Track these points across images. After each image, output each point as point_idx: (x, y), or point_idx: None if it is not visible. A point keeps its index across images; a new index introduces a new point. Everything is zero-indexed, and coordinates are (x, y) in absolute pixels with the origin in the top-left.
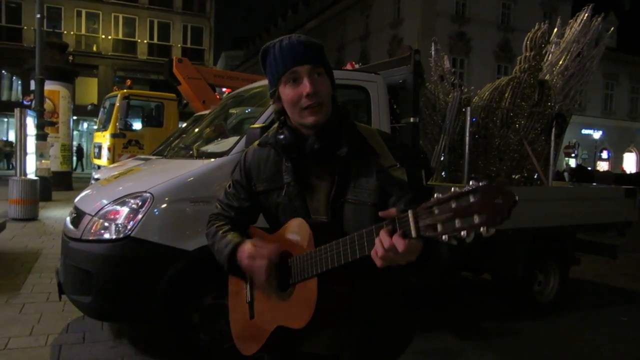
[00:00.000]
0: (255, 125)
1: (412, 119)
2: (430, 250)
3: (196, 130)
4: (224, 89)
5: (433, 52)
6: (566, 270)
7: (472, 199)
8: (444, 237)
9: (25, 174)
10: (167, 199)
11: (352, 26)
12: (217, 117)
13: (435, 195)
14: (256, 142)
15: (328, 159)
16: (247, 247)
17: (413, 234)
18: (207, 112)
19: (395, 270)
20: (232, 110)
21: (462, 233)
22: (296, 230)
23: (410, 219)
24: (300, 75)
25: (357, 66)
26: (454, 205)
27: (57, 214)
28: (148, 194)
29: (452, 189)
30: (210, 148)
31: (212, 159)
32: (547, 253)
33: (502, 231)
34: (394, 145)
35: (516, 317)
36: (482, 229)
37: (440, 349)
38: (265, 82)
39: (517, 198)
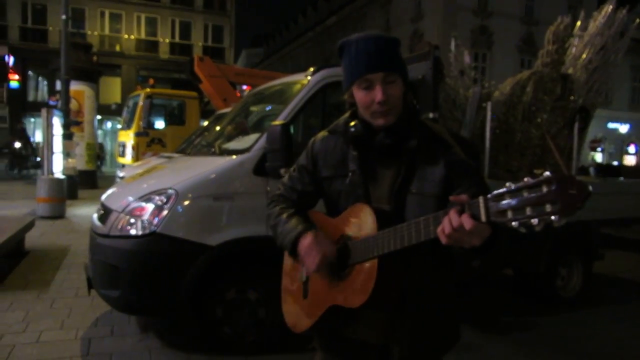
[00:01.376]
0: (276, 123)
1: (431, 115)
2: (496, 238)
3: (218, 128)
4: (244, 87)
5: (453, 48)
6: (590, 265)
7: (545, 189)
8: (513, 223)
9: (53, 173)
10: (190, 195)
11: (372, 22)
12: (238, 115)
13: (507, 184)
14: (326, 130)
15: (396, 152)
16: (308, 238)
17: (483, 218)
18: (228, 110)
19: (454, 259)
20: (253, 108)
21: (533, 221)
22: (360, 214)
23: (481, 204)
24: (373, 83)
25: None
26: (526, 194)
27: (84, 212)
28: (172, 191)
29: (525, 179)
30: (232, 145)
31: (234, 156)
32: (570, 248)
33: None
34: (461, 141)
35: (538, 312)
36: (554, 217)
37: (460, 344)
38: (285, 79)
39: (591, 189)
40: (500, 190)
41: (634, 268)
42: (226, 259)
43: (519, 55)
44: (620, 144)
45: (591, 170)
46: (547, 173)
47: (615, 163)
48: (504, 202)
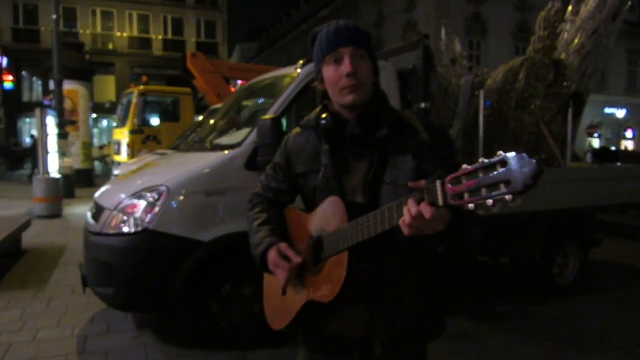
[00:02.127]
0: (266, 117)
1: (422, 105)
2: (457, 222)
3: (210, 123)
4: (239, 82)
5: (444, 36)
6: (586, 253)
7: (499, 169)
8: (470, 205)
9: (48, 173)
10: (182, 191)
11: (366, 13)
12: (230, 110)
13: (463, 166)
14: (298, 126)
15: (367, 142)
16: (273, 254)
17: (440, 202)
18: (221, 105)
19: (426, 249)
20: (245, 103)
21: (489, 202)
22: (331, 208)
23: (438, 188)
24: (341, 56)
25: None
26: (481, 175)
27: (81, 211)
28: (164, 188)
29: (480, 160)
30: (223, 141)
31: (225, 152)
32: (566, 235)
33: (519, 214)
34: (429, 125)
35: (535, 301)
36: (507, 197)
37: (456, 333)
38: (276, 73)
39: (542, 167)
40: (457, 174)
41: (630, 254)
42: (220, 255)
43: (513, 43)
44: (617, 129)
45: (588, 156)
46: (501, 152)
47: (613, 148)
48: (461, 185)
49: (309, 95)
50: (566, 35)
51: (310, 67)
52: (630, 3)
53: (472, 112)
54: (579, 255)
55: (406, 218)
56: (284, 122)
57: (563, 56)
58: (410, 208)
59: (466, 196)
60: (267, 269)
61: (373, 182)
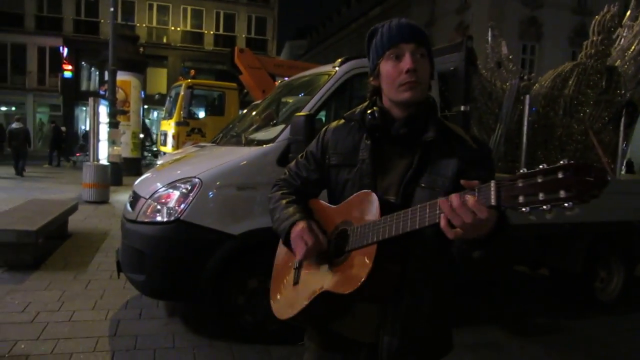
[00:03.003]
0: (300, 114)
1: (462, 107)
2: (501, 227)
3: (248, 118)
4: (286, 79)
5: (490, 38)
6: (632, 268)
7: (560, 175)
8: (524, 209)
9: (98, 160)
10: (214, 184)
11: (417, 12)
12: (269, 106)
13: (521, 170)
14: (342, 117)
15: (411, 143)
16: (300, 226)
17: (493, 201)
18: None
19: (453, 253)
20: (284, 99)
21: (545, 207)
22: (364, 201)
23: (492, 188)
24: (403, 52)
25: None
26: (540, 180)
27: (126, 198)
28: (197, 179)
29: (541, 165)
30: (258, 136)
31: (259, 147)
32: (611, 249)
33: (561, 224)
34: (476, 140)
35: (573, 315)
36: (567, 204)
37: (487, 342)
38: (313, 70)
39: (610, 178)
40: (514, 176)
41: None
42: (248, 249)
43: (570, 47)
44: None
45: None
46: (564, 160)
47: None
48: (517, 186)
49: (345, 93)
50: (622, 41)
51: (348, 65)
52: None
53: (516, 117)
54: (624, 270)
55: (457, 213)
56: (323, 119)
57: (618, 63)
58: (468, 201)
59: (521, 199)
60: (288, 243)
61: (408, 184)
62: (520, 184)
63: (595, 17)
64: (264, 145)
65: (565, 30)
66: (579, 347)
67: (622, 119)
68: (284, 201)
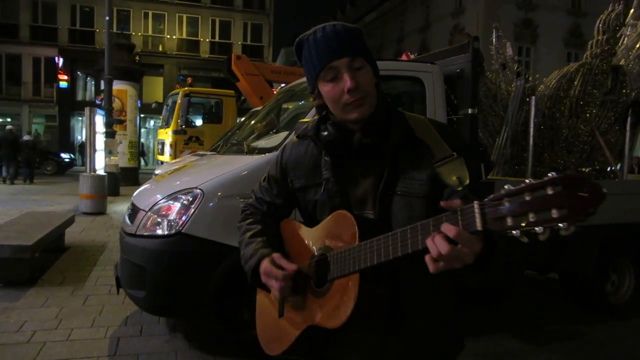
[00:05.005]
0: (304, 120)
1: (470, 110)
2: (491, 251)
3: (249, 126)
4: (281, 85)
5: (494, 39)
6: None
7: (550, 191)
8: (514, 232)
9: (95, 170)
10: (216, 195)
11: (412, 17)
12: (270, 112)
13: (505, 187)
14: (294, 135)
15: (376, 152)
16: (265, 264)
17: (478, 226)
18: (261, 107)
19: (447, 273)
20: (285, 105)
21: (537, 229)
22: (340, 223)
23: (476, 210)
24: (338, 70)
25: (412, 56)
26: (528, 198)
27: (124, 209)
28: (198, 190)
29: (527, 180)
30: (260, 144)
31: (262, 155)
32: (622, 251)
33: None
34: (448, 134)
35: (585, 320)
36: (561, 225)
37: (502, 352)
38: None
39: (605, 191)
40: (499, 194)
41: None
42: None
43: (565, 49)
44: None
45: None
46: (552, 173)
47: None
48: (503, 207)
49: None
50: (626, 40)
51: None
52: None
53: (522, 119)
54: (636, 273)
55: (432, 250)
56: None
57: (623, 62)
58: (447, 231)
59: (509, 221)
60: (259, 284)
61: (384, 194)
62: (506, 204)
63: (593, 18)
64: (267, 154)
65: (560, 31)
66: (597, 354)
67: (629, 119)
68: (248, 234)
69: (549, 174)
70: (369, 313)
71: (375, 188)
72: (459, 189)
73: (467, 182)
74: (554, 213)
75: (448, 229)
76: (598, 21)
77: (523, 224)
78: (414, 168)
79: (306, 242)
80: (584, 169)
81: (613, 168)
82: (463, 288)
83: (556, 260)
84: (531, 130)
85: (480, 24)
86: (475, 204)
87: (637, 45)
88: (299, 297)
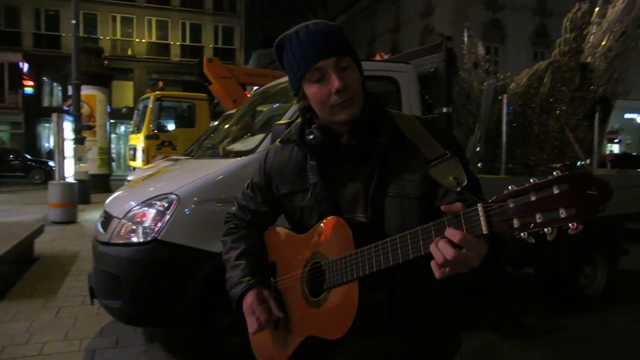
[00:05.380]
0: (281, 122)
1: (445, 109)
2: (498, 253)
3: (223, 129)
4: (255, 88)
5: (466, 38)
6: (614, 262)
7: (556, 190)
8: (522, 234)
9: (64, 178)
10: (193, 200)
11: (383, 18)
12: (244, 115)
13: (509, 187)
14: (278, 140)
15: (365, 154)
16: (251, 298)
17: (484, 229)
18: (235, 110)
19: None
20: (260, 108)
21: (546, 229)
22: (333, 229)
23: (481, 213)
24: (325, 72)
25: (386, 57)
26: (533, 198)
27: (96, 217)
28: (174, 196)
29: (532, 179)
30: (236, 147)
31: (238, 158)
32: (594, 244)
33: None
34: (438, 132)
35: (561, 313)
36: (570, 224)
37: (480, 347)
38: None
39: (613, 187)
40: (502, 195)
41: None
42: None
43: (532, 48)
44: (637, 135)
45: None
46: (557, 172)
47: (634, 154)
48: (508, 209)
49: None
50: (592, 37)
51: None
52: None
53: (494, 117)
54: (608, 265)
55: (441, 253)
56: None
57: (589, 59)
58: (451, 236)
59: (516, 222)
60: (241, 310)
61: (375, 197)
62: (511, 205)
63: (558, 17)
64: (243, 157)
65: (526, 31)
66: (575, 347)
67: (596, 115)
68: (233, 255)
69: (554, 173)
70: (368, 319)
71: (366, 190)
72: (457, 189)
73: (465, 181)
74: (562, 213)
75: (452, 233)
76: (565, 20)
77: (531, 226)
78: (404, 169)
79: (296, 250)
80: (554, 165)
81: (583, 163)
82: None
83: (531, 255)
84: (504, 127)
85: (449, 24)
86: (480, 207)
87: (603, 43)
88: (294, 308)
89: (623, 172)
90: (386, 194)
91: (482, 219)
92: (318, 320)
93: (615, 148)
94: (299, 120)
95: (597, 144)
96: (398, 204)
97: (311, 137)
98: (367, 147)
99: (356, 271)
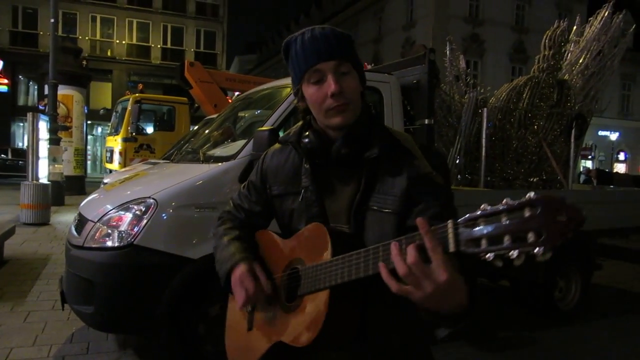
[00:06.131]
0: (263, 128)
1: (427, 121)
2: (474, 297)
3: (204, 133)
4: (236, 93)
5: (448, 52)
6: (588, 276)
7: (527, 213)
8: (488, 255)
9: (38, 179)
10: (171, 204)
11: (365, 29)
12: (226, 120)
13: (482, 206)
14: (277, 141)
15: (355, 163)
16: (241, 270)
17: (451, 247)
18: (216, 115)
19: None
20: (241, 113)
21: (512, 253)
22: (314, 236)
23: (450, 230)
24: (324, 73)
25: (369, 67)
26: (504, 220)
27: (69, 219)
28: (152, 200)
29: (505, 199)
30: (217, 152)
31: (219, 163)
32: (568, 258)
33: None
34: (428, 151)
35: (536, 326)
36: (537, 250)
37: None
38: (274, 83)
39: (585, 215)
40: (474, 214)
41: (635, 278)
42: (209, 273)
43: (510, 63)
44: (610, 152)
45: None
46: (532, 194)
47: (607, 170)
48: (478, 228)
49: None
50: (570, 55)
51: None
52: (635, 25)
53: (474, 130)
54: (582, 279)
55: (399, 267)
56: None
57: (567, 76)
58: (409, 252)
59: (484, 243)
60: (228, 288)
61: (359, 208)
62: (481, 225)
63: (535, 34)
64: (224, 162)
65: (505, 46)
66: (545, 358)
67: (573, 131)
68: (225, 238)
69: (529, 194)
70: (338, 332)
71: (351, 201)
72: (434, 208)
73: (442, 201)
74: (530, 237)
75: (412, 249)
76: (544, 37)
77: (498, 247)
78: (389, 183)
79: (280, 253)
80: (532, 179)
81: (559, 178)
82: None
83: (507, 268)
84: (483, 141)
85: (430, 37)
86: (449, 223)
87: (580, 61)
88: (269, 311)
89: (598, 188)
90: (368, 206)
91: (450, 235)
92: (288, 326)
93: (589, 164)
94: (299, 124)
95: (573, 159)
96: (377, 218)
97: (306, 140)
98: (358, 157)
99: (328, 280)
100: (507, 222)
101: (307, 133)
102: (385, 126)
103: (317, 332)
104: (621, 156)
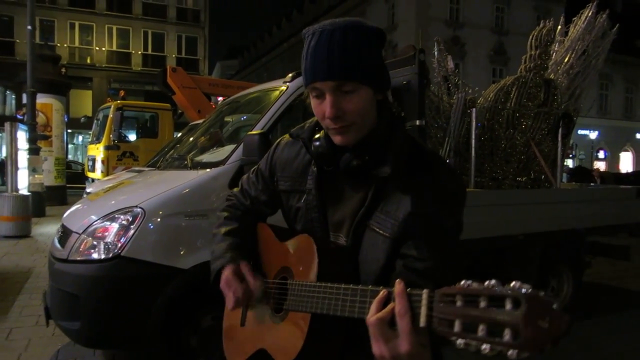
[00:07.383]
0: (253, 132)
1: (417, 122)
2: None
3: (190, 139)
4: (220, 98)
5: (436, 52)
6: (579, 275)
7: (508, 306)
8: (458, 341)
9: (17, 190)
10: (159, 213)
11: None
12: (212, 126)
13: (462, 282)
14: (288, 134)
15: (366, 175)
16: (228, 271)
17: (422, 322)
18: (202, 121)
19: None
20: (228, 118)
21: (484, 347)
22: (302, 249)
23: (424, 301)
24: (322, 92)
25: None
26: (482, 304)
27: (51, 230)
28: (139, 209)
29: (490, 282)
30: (205, 158)
31: (207, 169)
32: (559, 257)
33: (514, 235)
34: (453, 175)
35: None
36: (510, 352)
37: None
38: (262, 86)
39: (569, 326)
40: (453, 288)
41: (624, 275)
42: (201, 283)
43: (490, 65)
44: (590, 150)
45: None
46: (517, 285)
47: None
48: (454, 306)
49: (299, 109)
50: (555, 55)
51: (300, 80)
52: (618, 25)
53: (463, 130)
54: (573, 277)
55: (369, 313)
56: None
57: (552, 76)
58: (373, 308)
59: (456, 326)
60: (218, 284)
61: (360, 224)
62: (458, 304)
63: (516, 36)
64: (213, 168)
65: (485, 48)
66: (540, 358)
67: (560, 130)
68: (222, 230)
69: (514, 284)
70: (318, 356)
71: (354, 214)
72: (426, 262)
73: (437, 257)
74: (506, 334)
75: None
76: (531, 37)
77: (471, 336)
78: (394, 204)
79: (274, 255)
80: (520, 178)
81: (547, 177)
82: None
83: (499, 268)
84: (472, 141)
85: (411, 40)
86: (424, 293)
87: (565, 60)
88: (260, 312)
89: (584, 186)
90: (368, 225)
91: (423, 309)
92: (272, 338)
93: (569, 163)
94: (314, 119)
95: (560, 158)
96: (373, 239)
97: (317, 143)
98: (369, 169)
99: (310, 306)
100: (486, 308)
101: (318, 136)
102: (410, 137)
103: (296, 354)
104: (601, 154)
